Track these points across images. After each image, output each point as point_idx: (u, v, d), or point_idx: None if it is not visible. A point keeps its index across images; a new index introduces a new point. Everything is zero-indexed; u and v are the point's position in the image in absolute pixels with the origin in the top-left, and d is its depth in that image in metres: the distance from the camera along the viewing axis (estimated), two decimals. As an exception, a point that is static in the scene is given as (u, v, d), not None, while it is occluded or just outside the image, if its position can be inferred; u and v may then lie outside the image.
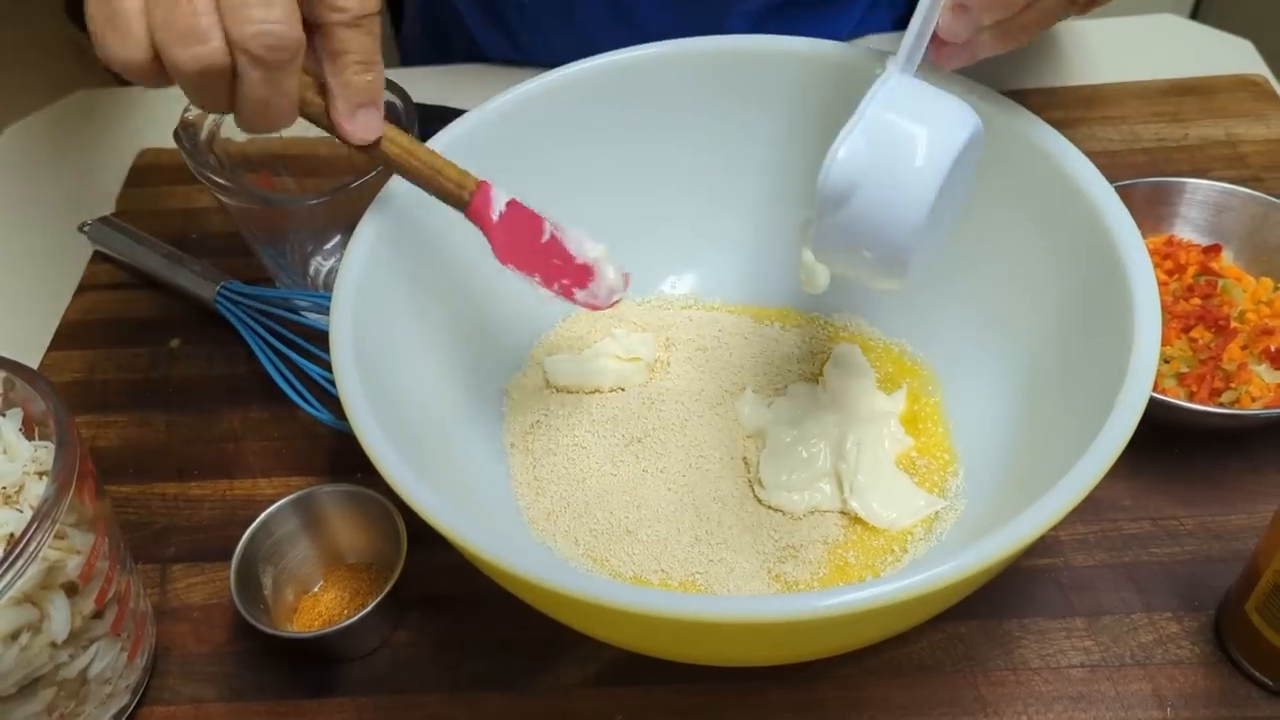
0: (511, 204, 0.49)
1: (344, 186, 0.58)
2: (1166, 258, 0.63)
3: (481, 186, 0.48)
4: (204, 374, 0.66)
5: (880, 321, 0.61)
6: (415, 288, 0.54)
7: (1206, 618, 0.51)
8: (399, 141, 0.47)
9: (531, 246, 0.49)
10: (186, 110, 0.61)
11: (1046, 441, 0.49)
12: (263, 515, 0.52)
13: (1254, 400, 0.56)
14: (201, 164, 0.59)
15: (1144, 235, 0.64)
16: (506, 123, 0.56)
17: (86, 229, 0.73)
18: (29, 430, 0.48)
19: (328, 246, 0.66)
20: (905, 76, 0.44)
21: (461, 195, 0.48)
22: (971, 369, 0.56)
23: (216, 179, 0.59)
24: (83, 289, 0.72)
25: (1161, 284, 0.62)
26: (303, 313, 0.63)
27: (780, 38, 0.57)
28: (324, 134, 0.47)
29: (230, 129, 0.64)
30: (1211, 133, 0.75)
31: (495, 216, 0.48)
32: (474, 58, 0.89)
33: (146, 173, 0.80)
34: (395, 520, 0.52)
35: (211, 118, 0.63)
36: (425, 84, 0.69)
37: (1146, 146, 0.74)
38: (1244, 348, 0.58)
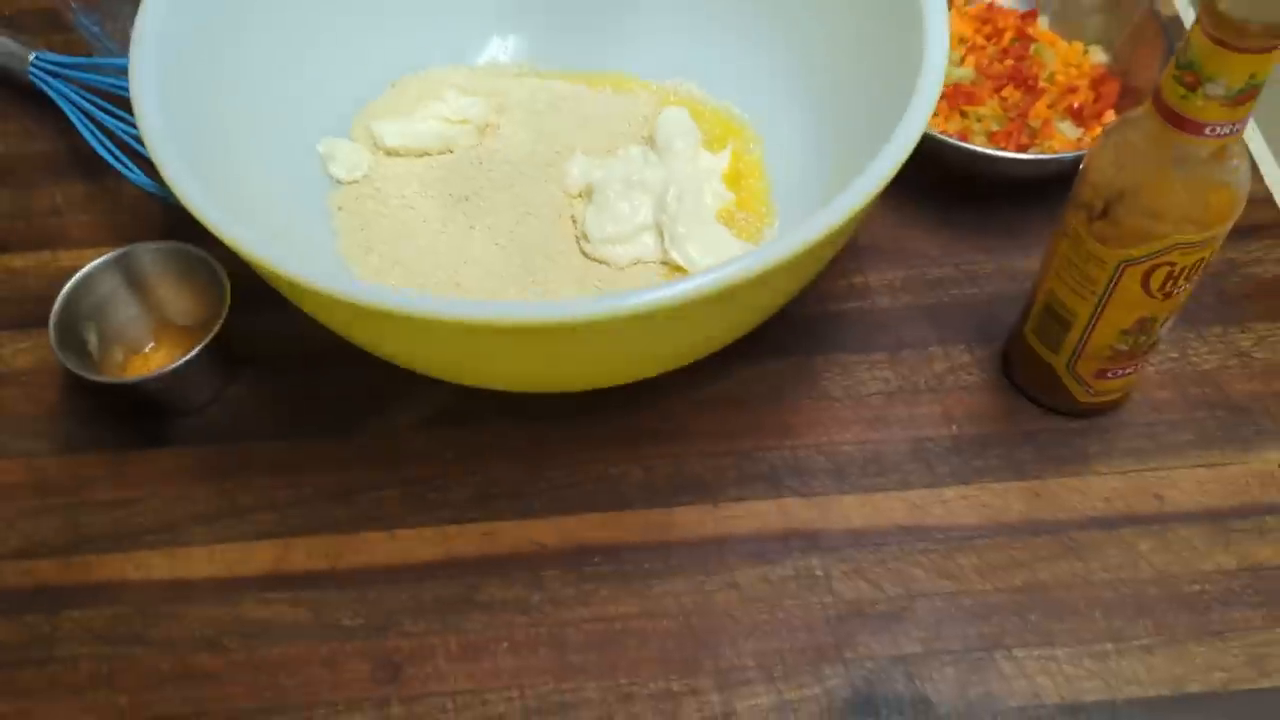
0: None
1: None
2: (986, 23, 0.65)
3: None
4: (22, 151, 0.64)
5: (709, 84, 0.62)
6: (227, 44, 0.52)
7: (996, 349, 0.55)
8: None
9: None
10: None
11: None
12: (81, 271, 0.51)
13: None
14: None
15: (966, 3, 0.66)
16: None
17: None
18: None
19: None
20: None
21: None
22: (789, 122, 0.58)
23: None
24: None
25: (979, 48, 0.64)
26: (123, 78, 0.61)
27: None
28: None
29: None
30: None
31: None
32: None
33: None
34: (219, 274, 0.52)
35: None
36: None
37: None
38: (1050, 106, 0.61)
